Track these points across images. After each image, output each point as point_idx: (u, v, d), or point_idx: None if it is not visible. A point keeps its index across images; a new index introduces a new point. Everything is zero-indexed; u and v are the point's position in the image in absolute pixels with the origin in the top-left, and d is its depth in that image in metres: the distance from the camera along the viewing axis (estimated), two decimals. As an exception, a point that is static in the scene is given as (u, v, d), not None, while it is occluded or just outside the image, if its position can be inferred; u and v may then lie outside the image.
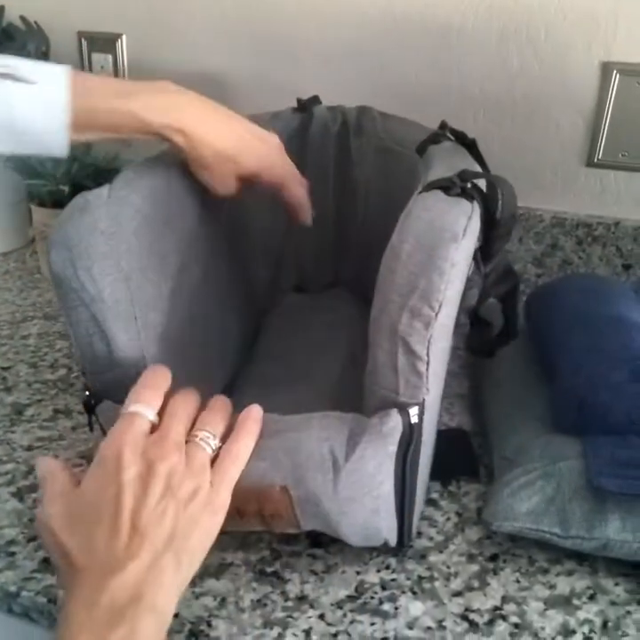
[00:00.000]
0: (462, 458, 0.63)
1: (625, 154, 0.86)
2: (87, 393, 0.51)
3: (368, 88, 0.95)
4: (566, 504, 0.51)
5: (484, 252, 0.50)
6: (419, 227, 0.44)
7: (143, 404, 0.43)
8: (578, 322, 0.61)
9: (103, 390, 0.50)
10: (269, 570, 0.52)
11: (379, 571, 0.53)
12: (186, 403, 0.45)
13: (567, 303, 0.64)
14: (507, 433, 0.60)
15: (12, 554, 0.53)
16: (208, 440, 0.44)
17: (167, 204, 0.58)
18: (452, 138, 0.65)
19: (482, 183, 0.50)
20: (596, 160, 0.87)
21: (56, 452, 0.63)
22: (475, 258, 0.50)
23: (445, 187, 0.47)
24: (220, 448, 0.44)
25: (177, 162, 0.61)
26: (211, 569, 0.52)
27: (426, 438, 0.49)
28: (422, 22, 0.89)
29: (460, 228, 0.43)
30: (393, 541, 0.51)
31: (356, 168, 0.81)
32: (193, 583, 0.51)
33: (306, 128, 0.80)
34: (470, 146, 0.63)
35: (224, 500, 0.43)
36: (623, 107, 0.83)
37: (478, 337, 0.59)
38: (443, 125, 0.66)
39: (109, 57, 1.04)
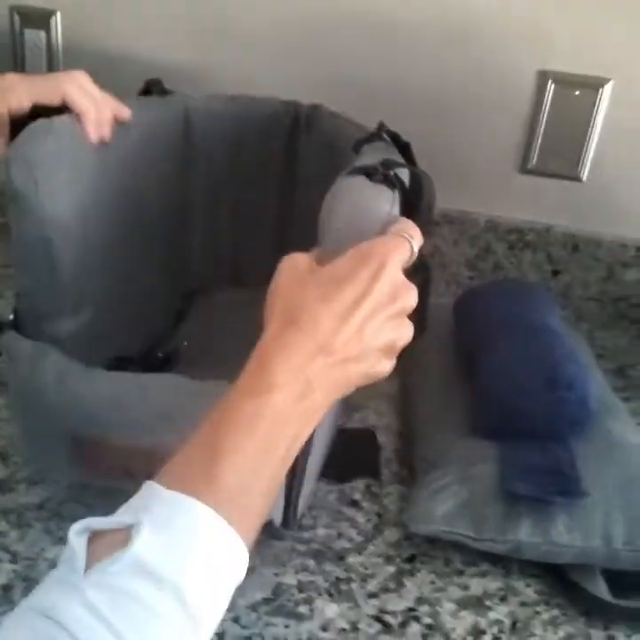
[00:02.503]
0: (366, 458, 0.63)
1: (557, 161, 0.87)
2: (11, 316, 0.49)
3: (313, 82, 0.94)
4: (480, 508, 0.52)
5: None
6: (345, 209, 0.44)
7: (417, 240, 0.43)
8: (500, 326, 0.62)
9: (33, 319, 0.49)
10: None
11: (297, 572, 0.53)
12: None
13: (492, 307, 0.65)
14: (429, 434, 0.61)
15: None
16: None
17: (121, 149, 0.57)
18: (388, 139, 0.65)
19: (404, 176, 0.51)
20: (529, 166, 0.89)
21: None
22: None
23: (368, 173, 0.47)
24: None
25: (139, 112, 0.61)
26: (125, 570, 0.51)
27: (318, 431, 0.49)
28: (372, 18, 0.89)
29: (385, 211, 0.44)
30: (278, 521, 0.51)
31: (300, 163, 0.81)
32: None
33: (260, 116, 0.79)
34: (404, 148, 0.64)
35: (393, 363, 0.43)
36: (558, 115, 0.85)
37: None
38: (380, 126, 0.66)
39: (43, 34, 1.00)
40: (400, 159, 0.57)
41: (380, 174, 0.46)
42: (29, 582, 0.49)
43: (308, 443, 0.48)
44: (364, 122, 0.73)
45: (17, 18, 1.00)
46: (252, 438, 0.36)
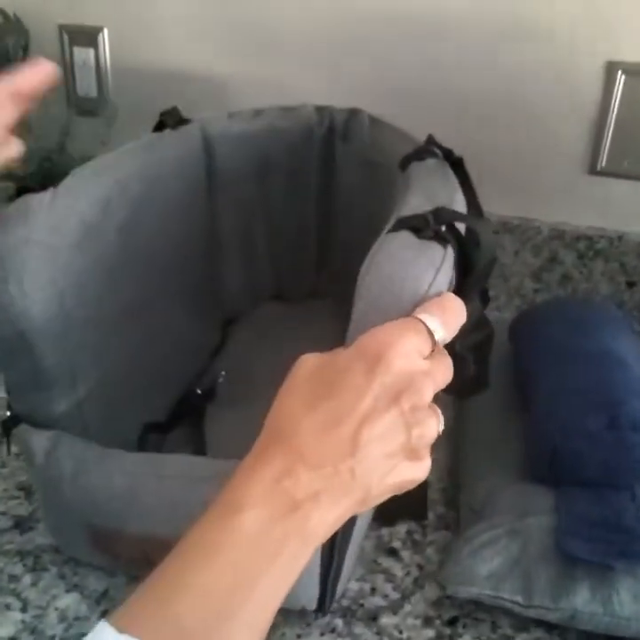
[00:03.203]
0: (410, 498, 0.57)
1: (630, 161, 0.79)
2: (8, 413, 0.47)
3: (359, 88, 0.89)
4: (531, 567, 0.45)
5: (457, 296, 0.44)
6: (376, 282, 0.38)
7: (440, 322, 0.36)
8: (555, 356, 0.55)
9: (26, 412, 0.46)
10: (201, 628, 0.48)
11: (322, 634, 0.48)
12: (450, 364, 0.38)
13: (547, 334, 0.58)
14: (477, 477, 0.55)
15: None
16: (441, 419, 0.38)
17: (121, 210, 0.54)
18: (439, 153, 0.59)
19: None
20: (598, 168, 0.80)
21: (-6, 482, 0.59)
22: None
23: (417, 227, 0.41)
24: None
25: (137, 164, 0.57)
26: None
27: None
28: (416, 17, 0.83)
29: (424, 284, 0.38)
30: (311, 607, 0.46)
31: (339, 176, 0.76)
32: None
33: (289, 129, 0.74)
34: (456, 163, 0.58)
35: (427, 466, 0.37)
36: (629, 110, 0.76)
37: (457, 373, 0.54)
38: (429, 140, 0.60)
39: (91, 51, 0.99)
40: (456, 190, 0.51)
41: (431, 230, 0.40)
42: (36, 635, 0.46)
43: (347, 534, 0.43)
44: (413, 129, 0.68)
45: (66, 36, 1.00)
46: (217, 570, 0.30)
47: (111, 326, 0.52)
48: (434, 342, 0.35)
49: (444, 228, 0.41)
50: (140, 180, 0.56)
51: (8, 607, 0.48)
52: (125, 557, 0.45)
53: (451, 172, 0.55)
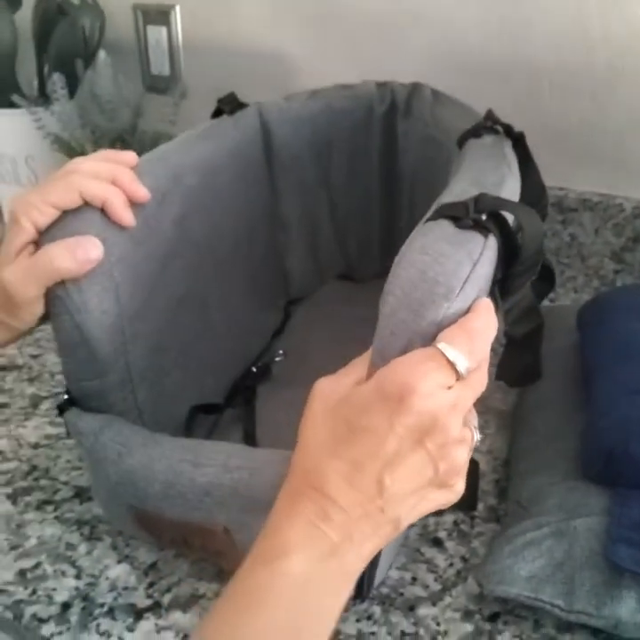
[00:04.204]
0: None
1: None
2: (65, 396, 0.49)
3: (429, 59, 0.86)
4: (576, 572, 0.43)
5: (503, 288, 0.42)
6: (408, 277, 0.36)
7: (462, 355, 0.34)
8: (622, 349, 0.51)
9: (83, 397, 0.48)
10: (241, 606, 0.49)
11: (358, 620, 0.48)
12: (483, 380, 0.38)
13: (615, 324, 0.55)
14: (528, 471, 0.53)
15: (-8, 562, 0.52)
16: (475, 432, 0.38)
17: (176, 202, 0.54)
18: (499, 129, 0.56)
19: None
20: (687, 141, 0.74)
21: (59, 452, 0.63)
22: (492, 294, 0.42)
23: (457, 216, 0.39)
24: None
25: (193, 156, 0.57)
26: (181, 600, 0.49)
27: None
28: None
29: (459, 279, 0.35)
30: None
31: (401, 155, 0.74)
32: (158, 615, 0.48)
33: (349, 108, 0.73)
34: (517, 140, 0.55)
35: (461, 489, 0.37)
36: None
37: (509, 361, 0.51)
38: (488, 115, 0.57)
39: (164, 30, 1.01)
40: (510, 170, 0.48)
41: (470, 219, 0.38)
42: (87, 602, 0.49)
43: None
44: (483, 101, 0.65)
45: (140, 15, 1.02)
46: (272, 614, 0.32)
47: (164, 316, 0.53)
48: (457, 373, 0.34)
49: (484, 217, 0.39)
50: (196, 171, 0.57)
51: (64, 574, 0.51)
52: (166, 538, 0.46)
53: (508, 151, 0.52)
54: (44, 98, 0.96)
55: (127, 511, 0.46)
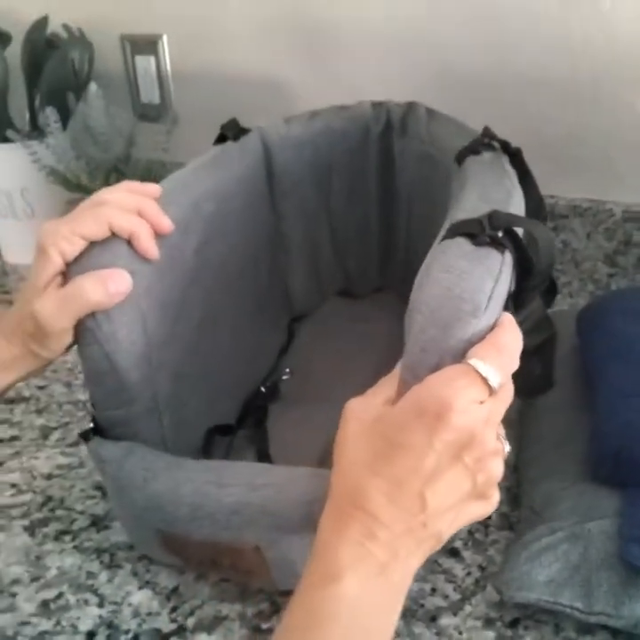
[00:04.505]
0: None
1: None
2: (91, 425, 0.50)
3: (418, 77, 0.88)
4: (593, 574, 0.44)
5: (516, 300, 0.43)
6: (434, 295, 0.37)
7: (494, 370, 0.35)
8: (623, 351, 0.53)
9: (109, 425, 0.49)
10: (265, 626, 0.49)
11: (381, 633, 0.48)
12: (510, 392, 0.38)
13: (614, 327, 0.56)
14: (539, 476, 0.54)
15: (14, 594, 0.53)
16: (505, 443, 0.38)
17: (196, 230, 0.55)
18: (496, 145, 0.57)
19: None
20: (672, 145, 0.76)
21: (73, 482, 0.63)
22: (506, 307, 0.43)
23: (472, 233, 0.40)
24: None
25: (208, 183, 0.58)
26: (205, 622, 0.50)
27: None
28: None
29: (484, 296, 0.37)
30: None
31: (398, 173, 0.76)
32: (184, 638, 0.49)
33: (346, 129, 0.74)
34: (514, 155, 0.56)
35: (496, 499, 0.38)
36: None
37: (522, 373, 0.53)
38: (485, 132, 0.59)
39: (152, 59, 1.02)
40: (514, 185, 0.49)
41: (487, 236, 0.39)
42: (112, 630, 0.49)
43: None
44: (471, 113, 0.66)
45: (128, 45, 1.04)
46: (338, 637, 0.33)
47: (186, 342, 0.54)
48: (490, 387, 0.35)
49: (500, 234, 0.40)
50: (212, 199, 0.58)
51: (86, 602, 0.52)
52: (194, 560, 0.47)
53: (508, 167, 0.54)
54: (37, 131, 0.97)
55: (154, 535, 0.46)
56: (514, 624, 0.48)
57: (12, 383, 0.50)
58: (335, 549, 0.35)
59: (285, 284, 0.80)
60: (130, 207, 0.47)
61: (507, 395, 0.37)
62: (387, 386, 0.40)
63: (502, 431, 0.39)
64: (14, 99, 1.00)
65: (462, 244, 0.40)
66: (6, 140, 0.95)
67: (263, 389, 0.69)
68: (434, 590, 0.51)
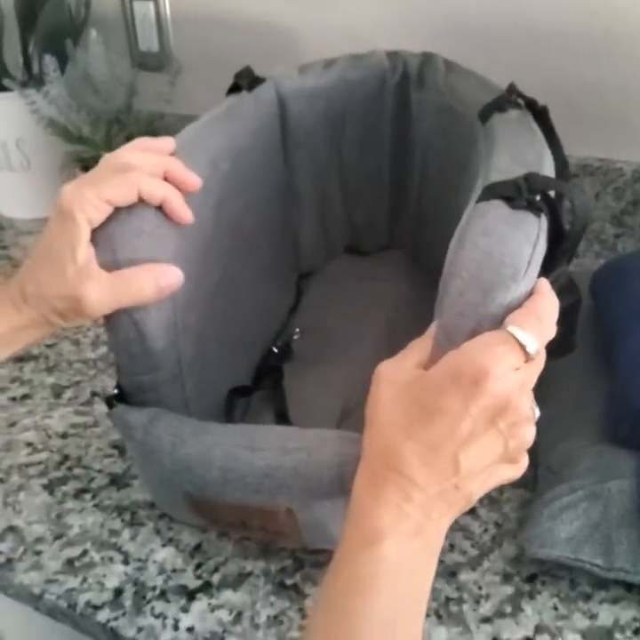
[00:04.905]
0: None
1: None
2: (116, 391, 0.50)
3: (429, 27, 0.85)
4: (613, 531, 0.46)
5: (545, 264, 0.43)
6: (474, 258, 0.37)
7: (532, 337, 0.36)
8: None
9: (135, 391, 0.49)
10: (289, 582, 0.50)
11: (404, 588, 0.50)
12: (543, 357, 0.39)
13: (632, 288, 0.56)
14: (557, 437, 0.55)
15: (39, 553, 0.53)
16: (535, 408, 0.39)
17: (214, 188, 0.54)
18: (521, 103, 0.56)
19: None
20: (687, 104, 0.75)
21: (89, 441, 0.63)
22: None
23: (509, 196, 0.40)
24: None
25: (224, 138, 0.57)
26: (229, 579, 0.51)
27: None
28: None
29: (524, 260, 0.37)
30: None
31: (414, 125, 0.74)
32: (210, 594, 0.50)
33: (362, 79, 0.72)
34: (540, 114, 0.55)
35: (525, 463, 0.39)
36: None
37: None
38: (510, 89, 0.57)
39: (151, 4, 0.98)
40: (544, 147, 0.49)
41: (524, 199, 0.39)
42: (139, 586, 0.50)
43: None
44: (484, 64, 0.65)
45: (126, -9, 0.99)
46: (378, 598, 0.34)
47: (206, 305, 0.53)
48: (527, 354, 0.35)
49: (538, 198, 0.40)
50: (229, 155, 0.56)
51: (111, 560, 0.52)
52: (223, 522, 0.48)
53: (536, 126, 0.53)
54: (33, 80, 0.94)
55: (182, 498, 0.47)
56: (531, 579, 0.50)
57: (17, 352, 0.49)
58: (372, 513, 0.36)
59: (295, 239, 0.79)
60: (157, 170, 0.46)
61: (540, 360, 0.38)
62: (418, 349, 0.40)
63: (532, 396, 0.39)
64: (7, 46, 0.96)
65: (500, 206, 0.39)
66: (1, 88, 0.92)
67: (275, 349, 0.69)
68: (452, 546, 0.52)
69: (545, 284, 0.39)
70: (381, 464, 0.36)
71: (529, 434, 0.37)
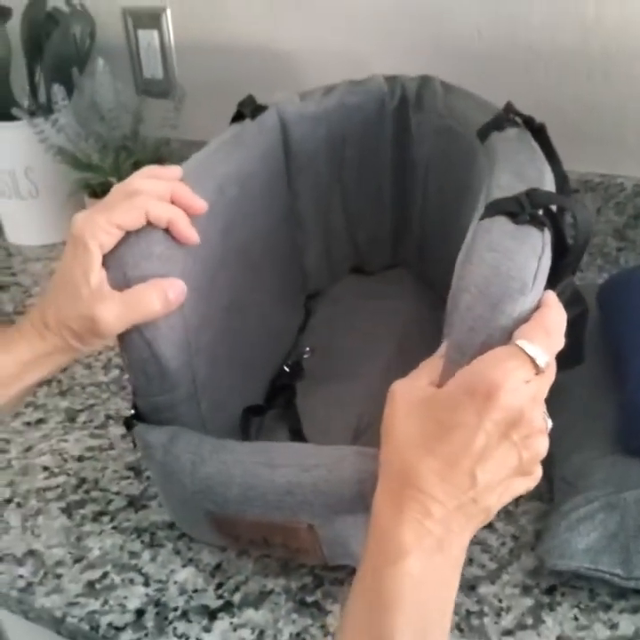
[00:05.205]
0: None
1: None
2: (132, 411, 0.50)
3: (427, 50, 0.87)
4: (630, 541, 0.46)
5: (551, 278, 0.44)
6: (481, 273, 0.38)
7: (541, 350, 0.37)
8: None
9: (151, 411, 0.50)
10: (310, 599, 0.51)
11: (424, 603, 0.50)
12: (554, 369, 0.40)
13: (641, 302, 0.57)
14: (569, 448, 0.55)
15: (59, 576, 0.54)
16: (548, 420, 0.39)
17: (221, 213, 0.55)
18: (519, 121, 0.57)
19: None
20: (684, 119, 0.77)
21: (105, 463, 0.64)
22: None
23: (512, 212, 0.41)
24: None
25: (231, 164, 0.58)
26: (250, 597, 0.51)
27: None
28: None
29: (531, 274, 0.38)
30: None
31: (414, 147, 0.75)
32: (232, 614, 0.50)
33: (361, 104, 0.74)
34: (538, 131, 0.56)
35: (539, 475, 0.40)
36: None
37: None
38: (508, 108, 0.59)
39: (155, 33, 1.01)
40: (543, 163, 0.50)
41: (527, 214, 0.40)
42: (160, 607, 0.51)
43: None
44: (481, 90, 0.66)
45: (130, 19, 1.02)
46: (403, 615, 0.35)
47: (217, 326, 0.54)
48: (537, 367, 0.36)
49: (540, 212, 0.41)
50: (236, 181, 0.58)
51: (132, 582, 0.53)
52: (245, 540, 0.48)
53: (535, 144, 0.54)
54: (40, 109, 0.95)
55: (203, 517, 0.47)
56: (551, 591, 0.50)
57: (43, 378, 0.50)
58: (394, 530, 0.36)
59: (301, 261, 0.80)
60: (163, 194, 0.47)
61: (551, 372, 0.39)
62: (429, 368, 0.41)
63: (544, 408, 0.40)
64: (13, 75, 0.98)
65: (504, 222, 0.40)
66: (8, 117, 0.93)
67: (287, 368, 0.70)
68: (471, 560, 0.53)
69: (552, 296, 0.40)
70: (400, 482, 0.37)
71: (542, 445, 0.38)
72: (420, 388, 0.39)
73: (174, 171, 0.50)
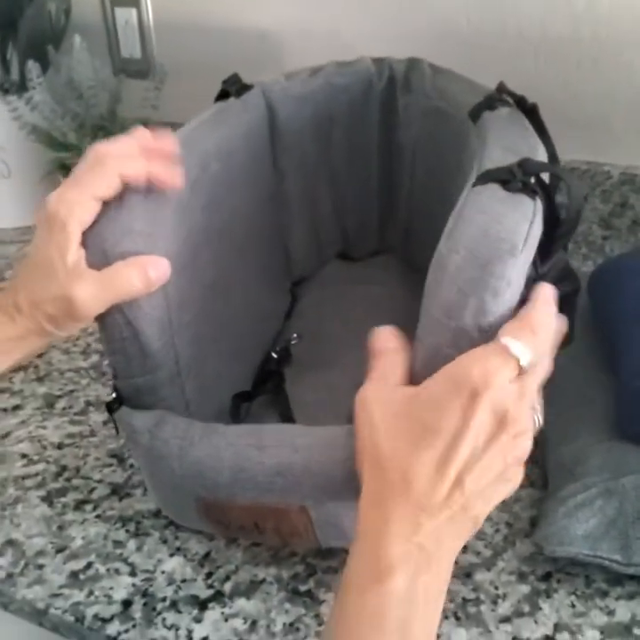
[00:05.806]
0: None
1: None
2: (114, 395, 0.48)
3: (414, 35, 0.86)
4: (629, 527, 0.46)
5: (542, 251, 0.43)
6: (471, 234, 0.37)
7: (525, 347, 0.35)
8: (646, 312, 0.54)
9: (133, 394, 0.48)
10: (303, 588, 0.49)
11: (419, 591, 0.49)
12: (546, 366, 0.38)
13: (633, 286, 0.57)
14: (565, 434, 0.55)
15: (41, 566, 0.51)
16: (537, 417, 0.38)
17: (203, 189, 0.53)
18: (511, 102, 0.57)
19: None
20: (672, 107, 0.77)
21: (86, 451, 0.62)
22: (533, 256, 0.43)
23: (504, 179, 0.40)
24: None
25: (213, 141, 0.56)
26: (242, 587, 0.50)
27: None
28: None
29: (521, 237, 0.37)
30: None
31: (402, 129, 0.74)
32: (223, 604, 0.48)
33: (348, 85, 0.72)
34: (530, 112, 0.56)
35: (520, 478, 0.38)
36: None
37: None
38: (500, 88, 0.58)
39: (133, 11, 0.97)
40: (537, 141, 0.49)
41: (519, 181, 0.39)
42: (148, 598, 0.49)
43: None
44: (470, 74, 0.65)
45: (107, -3, 0.98)
46: (387, 632, 0.33)
47: (200, 305, 0.52)
48: (520, 368, 0.35)
49: (533, 180, 0.40)
50: (218, 157, 0.56)
51: (117, 572, 0.51)
52: (235, 526, 0.46)
53: (527, 122, 0.54)
54: (14, 86, 0.92)
55: (193, 503, 0.45)
56: (546, 577, 0.50)
57: (15, 364, 0.47)
58: (381, 548, 0.34)
59: (287, 245, 0.79)
60: (132, 151, 0.44)
61: (541, 370, 0.37)
62: (390, 366, 0.39)
63: (539, 403, 0.39)
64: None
65: (495, 189, 0.40)
66: (-20, 95, 0.90)
67: (274, 354, 0.68)
68: (465, 548, 0.52)
69: (542, 291, 0.39)
70: (388, 493, 0.35)
71: (526, 445, 0.37)
72: (394, 390, 0.38)
73: (168, 141, 0.47)
